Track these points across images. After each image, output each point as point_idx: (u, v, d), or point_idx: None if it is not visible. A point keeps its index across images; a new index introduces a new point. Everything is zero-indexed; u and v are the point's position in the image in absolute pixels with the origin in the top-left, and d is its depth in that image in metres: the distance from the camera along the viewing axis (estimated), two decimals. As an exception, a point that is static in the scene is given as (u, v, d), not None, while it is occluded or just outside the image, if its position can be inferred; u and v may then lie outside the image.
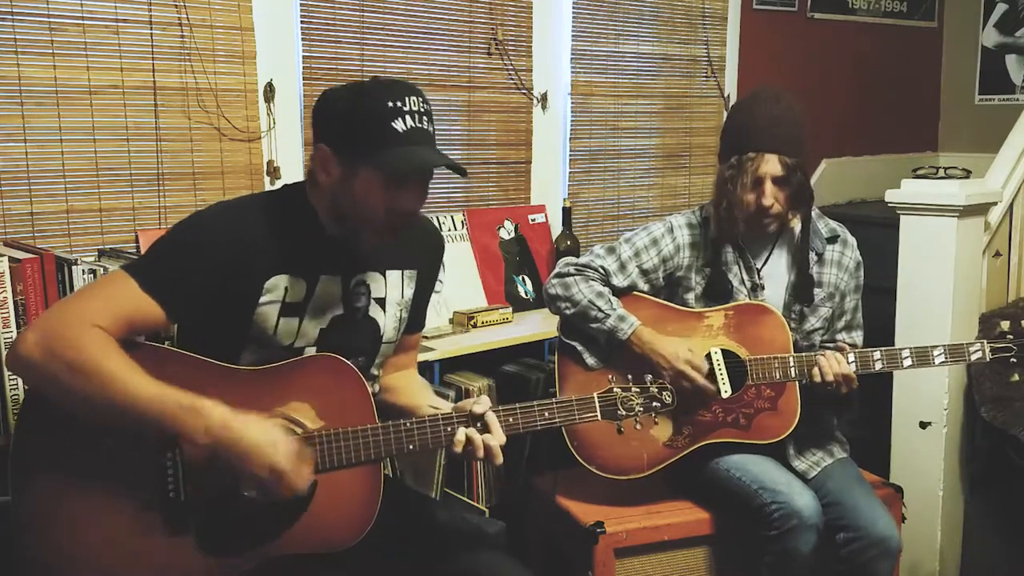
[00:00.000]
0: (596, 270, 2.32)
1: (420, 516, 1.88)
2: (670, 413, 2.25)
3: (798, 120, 2.24)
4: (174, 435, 1.53)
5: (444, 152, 1.71)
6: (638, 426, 1.85)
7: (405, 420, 1.68)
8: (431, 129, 1.67)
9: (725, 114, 3.80)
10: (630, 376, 1.84)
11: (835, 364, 2.19)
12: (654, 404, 1.83)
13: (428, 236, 1.93)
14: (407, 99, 1.63)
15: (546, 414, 1.75)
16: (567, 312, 2.30)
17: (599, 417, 1.79)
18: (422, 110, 1.65)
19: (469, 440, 1.66)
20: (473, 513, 2.43)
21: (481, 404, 1.69)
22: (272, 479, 1.53)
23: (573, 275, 2.31)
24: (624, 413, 1.80)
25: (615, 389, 1.81)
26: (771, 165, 2.19)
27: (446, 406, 1.80)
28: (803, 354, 2.26)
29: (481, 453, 1.66)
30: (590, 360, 2.31)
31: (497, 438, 1.67)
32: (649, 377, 1.85)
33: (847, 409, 2.36)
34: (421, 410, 1.80)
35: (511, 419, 1.73)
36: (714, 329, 2.29)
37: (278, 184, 2.65)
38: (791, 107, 2.24)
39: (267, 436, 1.54)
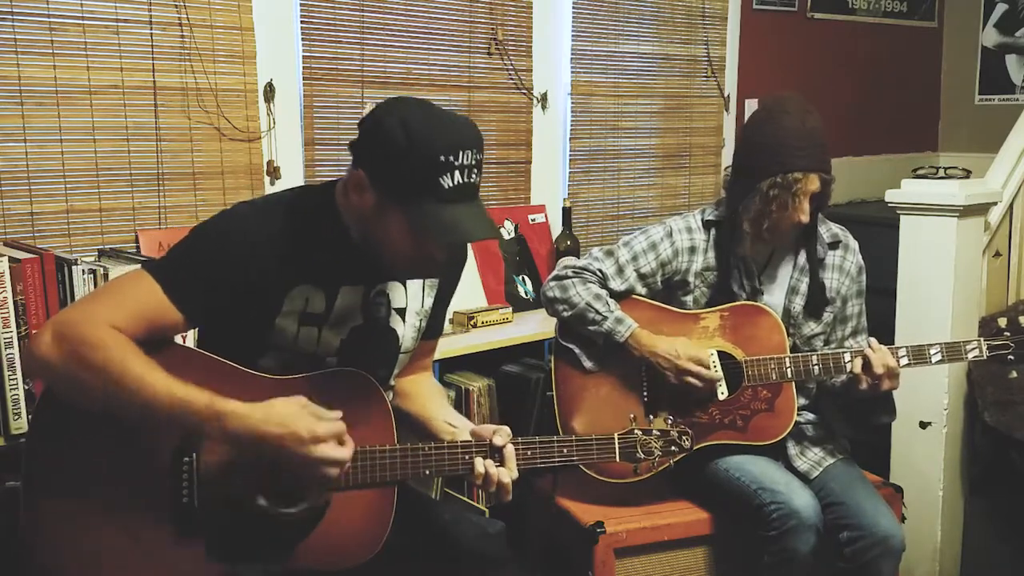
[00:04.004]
0: (594, 273, 2.31)
1: (421, 517, 1.87)
2: (668, 416, 2.25)
3: (823, 131, 2.22)
4: (196, 436, 1.52)
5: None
6: (655, 469, 1.85)
7: (424, 444, 1.65)
8: (478, 180, 1.59)
9: (725, 114, 3.81)
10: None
11: (883, 356, 2.15)
12: (673, 448, 1.83)
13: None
14: (460, 153, 1.53)
15: (564, 451, 1.74)
16: (564, 314, 2.30)
17: (617, 459, 1.79)
18: (473, 163, 1.56)
19: (486, 473, 1.64)
20: (473, 513, 2.43)
21: (501, 436, 1.66)
22: (314, 454, 1.49)
23: (571, 277, 2.31)
24: (643, 456, 1.80)
25: (636, 431, 1.80)
26: (814, 183, 2.18)
27: (462, 422, 1.78)
28: (799, 354, 2.25)
29: (493, 487, 1.64)
30: (587, 363, 2.31)
31: (511, 474, 1.64)
32: (671, 420, 1.85)
33: (884, 411, 2.33)
34: (434, 423, 1.78)
35: (529, 452, 1.71)
36: (710, 331, 2.29)
37: (278, 185, 2.66)
38: (818, 117, 2.22)
39: (290, 413, 1.49)
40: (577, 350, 2.32)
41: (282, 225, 1.63)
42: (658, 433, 1.81)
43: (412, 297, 1.80)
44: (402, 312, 1.79)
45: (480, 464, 1.63)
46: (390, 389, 1.83)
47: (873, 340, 2.22)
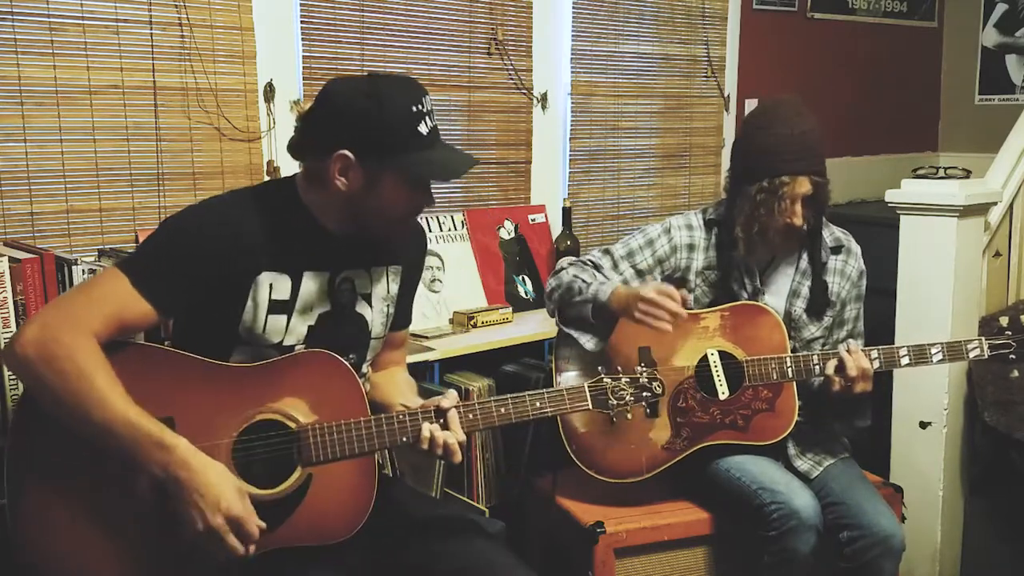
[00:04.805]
0: (590, 262, 2.34)
1: (420, 516, 1.88)
2: (668, 415, 2.26)
3: (819, 134, 2.23)
4: (135, 462, 1.53)
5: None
6: (629, 415, 1.85)
7: (374, 417, 1.69)
8: (437, 123, 1.71)
9: (725, 114, 3.81)
10: (619, 367, 1.85)
11: (858, 358, 2.16)
12: (644, 394, 1.84)
13: (413, 233, 1.93)
14: (423, 100, 1.66)
15: (538, 404, 1.77)
16: (556, 294, 2.29)
17: (590, 406, 1.80)
18: (432, 108, 1.68)
19: (431, 436, 1.67)
20: (473, 513, 2.43)
21: (448, 399, 1.71)
22: (223, 524, 1.51)
23: (566, 268, 2.33)
24: (615, 402, 1.81)
25: (605, 379, 1.82)
26: (804, 187, 2.19)
27: (416, 404, 1.80)
28: (800, 354, 2.25)
29: (440, 450, 1.67)
30: (588, 344, 2.26)
31: (456, 435, 1.68)
32: (639, 367, 1.86)
33: (858, 414, 2.34)
34: (393, 407, 1.80)
35: (503, 409, 1.74)
36: (710, 331, 2.29)
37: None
38: (812, 121, 2.23)
39: (227, 482, 1.54)
40: (575, 333, 2.28)
41: (248, 215, 1.68)
42: (628, 380, 1.83)
43: (377, 283, 1.84)
44: (368, 298, 1.83)
45: (426, 429, 1.67)
46: (363, 377, 1.85)
47: (852, 343, 2.23)
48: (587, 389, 1.80)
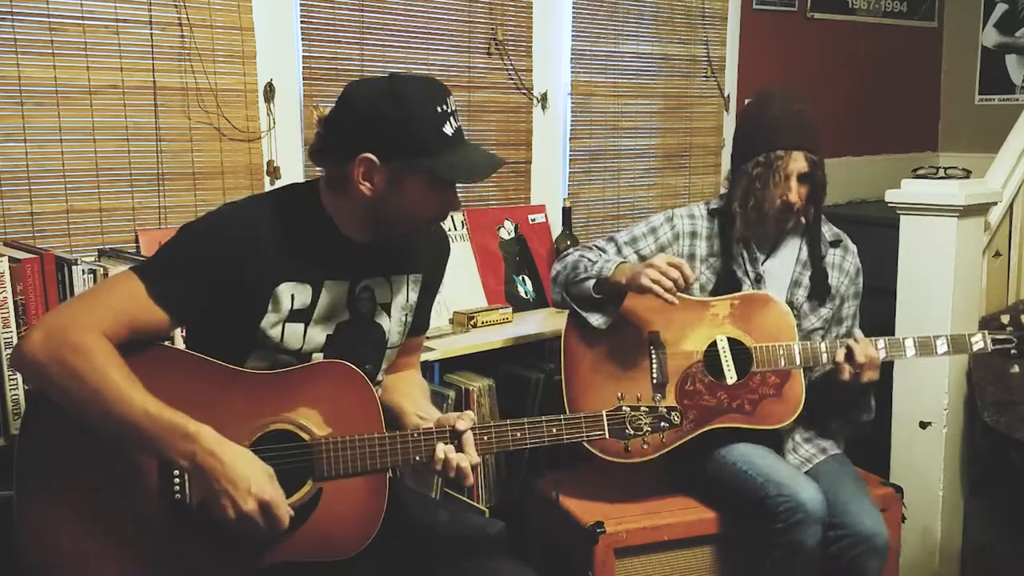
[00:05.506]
0: (593, 247, 2.37)
1: (421, 517, 1.88)
2: (675, 398, 2.27)
3: (814, 117, 2.29)
4: (161, 455, 1.53)
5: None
6: (645, 446, 1.84)
7: (388, 433, 1.66)
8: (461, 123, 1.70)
9: (725, 114, 3.81)
10: (639, 395, 1.85)
11: (865, 346, 2.20)
12: (662, 424, 1.82)
13: (435, 240, 1.92)
14: (447, 100, 1.63)
15: (554, 430, 1.75)
16: (562, 275, 2.31)
17: (607, 436, 1.79)
18: (455, 108, 1.66)
19: (445, 458, 1.65)
20: (473, 513, 2.43)
21: (464, 421, 1.68)
22: (256, 509, 1.51)
23: (570, 253, 2.37)
24: (632, 432, 1.80)
25: (624, 408, 1.81)
26: (798, 162, 2.24)
27: (432, 414, 1.79)
28: (808, 342, 2.27)
29: (453, 473, 1.65)
30: (596, 321, 2.26)
31: (470, 458, 1.66)
32: (658, 396, 1.85)
33: (862, 406, 2.36)
34: (407, 416, 1.79)
35: (519, 433, 1.72)
36: (720, 318, 2.31)
37: (279, 183, 2.66)
38: (807, 104, 2.29)
39: (256, 467, 1.53)
40: (584, 312, 2.28)
41: (268, 222, 1.66)
42: (647, 409, 1.82)
43: (396, 292, 1.82)
44: (387, 307, 1.81)
45: (440, 450, 1.65)
46: (377, 384, 1.84)
47: (858, 332, 2.25)
48: (605, 417, 1.79)
